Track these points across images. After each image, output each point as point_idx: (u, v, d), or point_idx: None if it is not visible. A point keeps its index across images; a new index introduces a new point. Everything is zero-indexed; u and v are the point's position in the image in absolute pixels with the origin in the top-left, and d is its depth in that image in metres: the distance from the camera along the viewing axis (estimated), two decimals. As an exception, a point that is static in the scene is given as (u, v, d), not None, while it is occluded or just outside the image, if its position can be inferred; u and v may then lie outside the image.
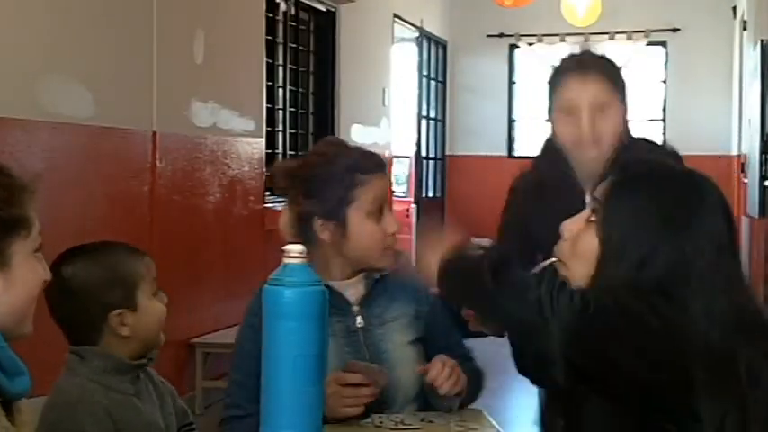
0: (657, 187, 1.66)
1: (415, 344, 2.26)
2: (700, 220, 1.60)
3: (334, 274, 2.18)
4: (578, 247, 1.68)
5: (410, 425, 2.07)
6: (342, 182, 2.14)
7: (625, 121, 2.43)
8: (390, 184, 2.27)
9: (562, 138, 2.42)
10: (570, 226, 1.72)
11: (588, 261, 1.65)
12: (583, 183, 2.37)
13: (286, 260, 1.65)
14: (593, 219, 1.68)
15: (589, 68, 2.38)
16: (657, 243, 1.58)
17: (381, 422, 2.07)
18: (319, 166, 2.17)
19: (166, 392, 2.09)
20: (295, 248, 1.68)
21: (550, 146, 2.50)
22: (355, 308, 2.20)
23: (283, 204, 2.26)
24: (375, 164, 2.19)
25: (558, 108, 2.42)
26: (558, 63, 2.46)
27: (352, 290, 2.21)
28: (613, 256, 1.62)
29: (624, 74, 2.45)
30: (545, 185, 2.46)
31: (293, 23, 6.94)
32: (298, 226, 2.18)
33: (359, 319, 2.20)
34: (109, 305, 1.93)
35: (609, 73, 2.40)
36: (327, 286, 1.98)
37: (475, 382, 2.26)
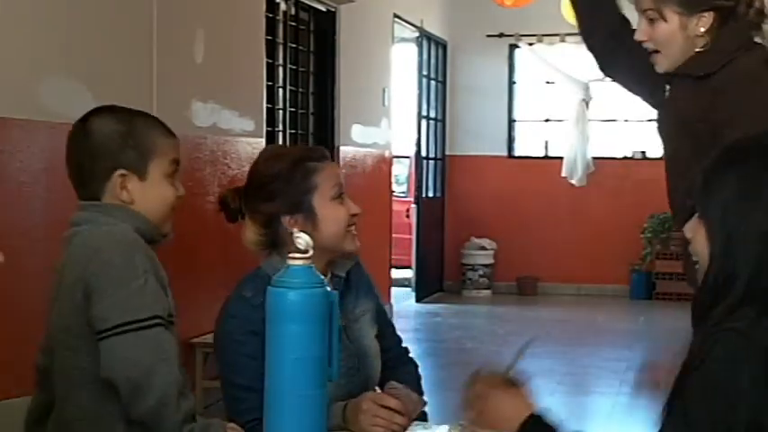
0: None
1: (376, 337, 2.33)
2: None
3: None
4: (694, 248, 1.56)
5: None
6: (297, 174, 2.19)
7: (690, 32, 2.41)
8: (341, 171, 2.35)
9: None
10: (687, 226, 1.59)
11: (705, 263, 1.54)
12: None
13: (290, 261, 1.64)
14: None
15: None
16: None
17: None
18: (271, 168, 2.22)
19: None
20: (303, 238, 1.67)
21: None
22: None
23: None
24: (321, 154, 2.27)
25: None
26: None
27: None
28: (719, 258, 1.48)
29: None
30: None
31: (293, 23, 6.92)
32: (266, 233, 2.23)
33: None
34: (117, 164, 1.89)
35: None
36: None
37: (417, 383, 2.35)
